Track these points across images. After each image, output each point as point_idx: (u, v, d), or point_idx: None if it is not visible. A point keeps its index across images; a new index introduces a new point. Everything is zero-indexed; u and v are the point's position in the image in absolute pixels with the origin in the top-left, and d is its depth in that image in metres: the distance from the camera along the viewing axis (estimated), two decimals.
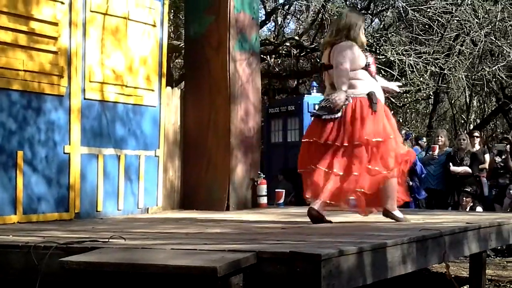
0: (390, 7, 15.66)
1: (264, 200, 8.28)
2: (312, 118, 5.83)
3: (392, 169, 5.60)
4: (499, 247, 8.92)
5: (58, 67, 6.59)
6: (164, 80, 7.85)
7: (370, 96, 5.59)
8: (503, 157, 10.64)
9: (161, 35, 7.79)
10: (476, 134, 11.31)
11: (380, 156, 5.58)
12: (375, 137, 5.54)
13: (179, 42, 14.21)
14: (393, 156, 5.63)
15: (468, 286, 6.26)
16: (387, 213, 5.78)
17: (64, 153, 6.63)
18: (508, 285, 7.08)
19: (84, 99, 6.84)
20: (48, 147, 6.49)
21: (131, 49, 7.37)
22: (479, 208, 9.64)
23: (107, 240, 4.27)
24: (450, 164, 10.19)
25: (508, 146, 10.82)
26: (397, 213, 5.78)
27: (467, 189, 9.64)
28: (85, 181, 6.83)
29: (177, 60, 17.61)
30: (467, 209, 9.45)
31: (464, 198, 9.64)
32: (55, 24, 6.58)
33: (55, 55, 6.58)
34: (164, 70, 7.89)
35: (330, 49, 5.67)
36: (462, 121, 23.17)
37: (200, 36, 8.32)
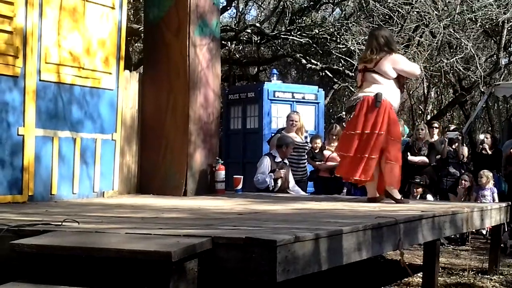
0: None
1: (222, 186, 8.24)
2: None
3: None
4: (452, 236, 9.07)
5: (13, 47, 6.43)
6: (122, 63, 7.74)
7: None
8: (454, 146, 10.79)
9: (120, 17, 7.68)
10: (436, 124, 11.40)
11: None
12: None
13: (139, 26, 14.07)
14: None
15: (421, 273, 6.33)
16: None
17: (18, 134, 6.48)
18: (461, 273, 7.19)
19: (40, 80, 6.70)
20: (1, 128, 6.33)
21: (89, 31, 7.24)
22: (429, 197, 9.77)
23: (60, 223, 4.20)
24: (408, 153, 10.25)
25: (460, 136, 10.99)
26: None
27: (416, 180, 9.75)
28: (39, 163, 6.70)
29: (136, 44, 17.44)
30: (417, 198, 9.57)
31: (414, 189, 9.75)
32: (11, 3, 6.41)
33: (10, 35, 6.42)
34: (123, 53, 7.78)
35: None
36: (420, 112, 23.46)
37: (160, 20, 8.21)
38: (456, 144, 10.79)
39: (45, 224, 4.22)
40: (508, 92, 13.45)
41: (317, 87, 13.60)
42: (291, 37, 15.90)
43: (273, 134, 10.32)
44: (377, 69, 6.81)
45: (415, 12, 14.55)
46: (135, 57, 17.57)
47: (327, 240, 3.96)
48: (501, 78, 18.26)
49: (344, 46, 14.90)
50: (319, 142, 9.85)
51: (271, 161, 8.79)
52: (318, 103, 12.92)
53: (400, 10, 14.24)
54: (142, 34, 10.93)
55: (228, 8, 17.62)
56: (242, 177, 8.88)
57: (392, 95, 6.85)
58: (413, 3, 14.06)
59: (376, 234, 4.57)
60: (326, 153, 9.69)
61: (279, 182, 8.70)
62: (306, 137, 10.06)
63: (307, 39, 15.76)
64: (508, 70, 19.94)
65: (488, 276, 7.08)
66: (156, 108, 8.10)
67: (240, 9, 18.93)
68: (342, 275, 6.07)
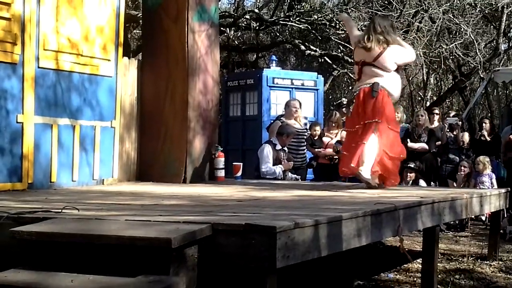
0: None
1: (221, 173, 8.24)
2: None
3: None
4: (452, 222, 9.08)
5: (11, 34, 6.40)
6: (121, 50, 7.71)
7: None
8: (455, 132, 10.77)
9: (118, 3, 7.64)
10: (436, 111, 11.35)
11: None
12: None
13: (137, 12, 14.01)
14: None
15: (421, 259, 6.35)
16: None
17: (17, 122, 6.47)
18: (460, 259, 7.22)
19: (38, 67, 6.67)
20: (0, 116, 6.32)
21: (87, 17, 7.21)
22: (422, 182, 9.78)
23: (60, 210, 4.20)
24: (408, 140, 10.20)
25: (460, 122, 10.97)
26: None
27: (410, 165, 9.75)
28: (39, 151, 6.69)
29: (135, 31, 17.37)
30: (409, 184, 9.59)
31: (408, 174, 9.75)
32: None
33: (8, 21, 6.39)
34: (121, 39, 7.75)
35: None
36: (419, 98, 23.42)
37: (158, 7, 8.18)
38: (456, 130, 10.77)
39: (45, 211, 4.22)
40: (507, 78, 13.43)
41: (316, 73, 13.57)
42: (290, 23, 15.85)
43: (272, 121, 10.30)
44: (377, 64, 6.78)
45: None
46: (134, 43, 17.51)
47: (327, 226, 3.97)
48: (501, 64, 18.22)
49: (343, 32, 14.84)
50: (318, 129, 9.83)
51: (272, 149, 8.79)
52: (317, 89, 12.90)
53: None
54: (141, 21, 10.89)
55: None
56: (241, 164, 8.89)
57: (393, 85, 6.83)
58: None
59: (375, 220, 4.58)
60: (326, 139, 9.68)
61: (287, 172, 8.78)
62: (305, 124, 10.05)
63: (306, 25, 15.71)
64: (507, 55, 19.90)
65: (488, 262, 7.11)
66: (155, 95, 8.08)
67: None
68: (341, 261, 6.08)
